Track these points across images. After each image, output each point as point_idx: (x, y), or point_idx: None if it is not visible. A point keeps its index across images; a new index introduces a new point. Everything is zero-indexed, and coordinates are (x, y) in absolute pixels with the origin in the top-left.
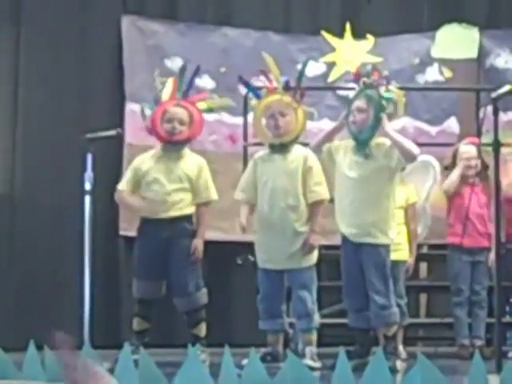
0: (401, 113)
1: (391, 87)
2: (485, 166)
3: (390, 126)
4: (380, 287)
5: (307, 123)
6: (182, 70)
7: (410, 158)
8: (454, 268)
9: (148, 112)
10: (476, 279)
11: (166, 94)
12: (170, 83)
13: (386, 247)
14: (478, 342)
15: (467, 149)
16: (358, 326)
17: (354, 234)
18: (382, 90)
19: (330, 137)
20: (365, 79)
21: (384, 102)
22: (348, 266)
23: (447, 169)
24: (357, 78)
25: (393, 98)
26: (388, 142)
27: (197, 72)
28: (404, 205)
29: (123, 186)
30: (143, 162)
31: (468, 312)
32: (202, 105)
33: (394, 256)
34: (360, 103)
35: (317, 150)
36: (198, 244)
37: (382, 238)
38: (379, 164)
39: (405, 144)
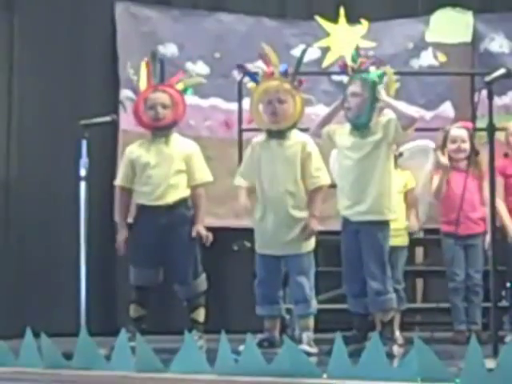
0: (392, 94)
1: (384, 68)
2: (475, 151)
3: (384, 95)
4: (377, 272)
5: (306, 109)
6: (154, 55)
7: (410, 121)
8: (448, 253)
9: (128, 104)
10: (470, 263)
11: (143, 82)
12: (143, 69)
13: (386, 228)
14: (474, 328)
15: (458, 132)
16: (357, 311)
17: (356, 214)
18: (373, 69)
19: (328, 119)
20: (352, 64)
21: (376, 79)
22: (348, 251)
23: (436, 150)
24: (343, 67)
25: (383, 74)
26: (384, 118)
27: (163, 63)
28: (402, 190)
29: (119, 180)
30: (134, 151)
31: (464, 297)
32: (179, 86)
33: (392, 242)
34: (353, 88)
35: (317, 133)
36: (199, 229)
37: (384, 214)
38: (377, 138)
39: (404, 109)
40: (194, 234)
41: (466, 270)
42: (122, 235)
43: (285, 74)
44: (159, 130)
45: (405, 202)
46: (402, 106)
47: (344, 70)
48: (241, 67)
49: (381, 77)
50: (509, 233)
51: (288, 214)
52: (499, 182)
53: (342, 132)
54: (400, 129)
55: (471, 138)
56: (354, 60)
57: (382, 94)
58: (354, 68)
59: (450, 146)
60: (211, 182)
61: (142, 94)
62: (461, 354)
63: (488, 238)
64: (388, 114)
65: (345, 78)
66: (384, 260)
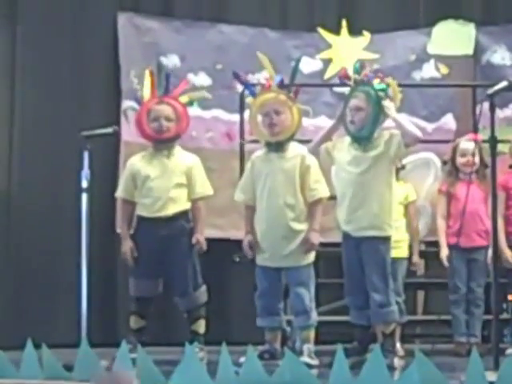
0: (397, 106)
1: (388, 80)
2: (484, 164)
3: (393, 110)
4: (379, 285)
5: (303, 120)
6: (160, 67)
7: (414, 140)
8: (451, 265)
9: (131, 113)
10: (472, 277)
11: (146, 93)
12: (147, 79)
13: (387, 242)
14: (473, 340)
15: (467, 145)
16: (360, 323)
17: (356, 229)
18: (376, 82)
19: (326, 138)
20: (356, 76)
21: (381, 94)
22: (349, 264)
23: (445, 164)
24: (344, 78)
25: (387, 88)
26: (387, 133)
27: (168, 76)
28: (403, 202)
29: (120, 192)
30: (135, 163)
31: (465, 310)
32: (184, 98)
33: (393, 253)
34: (357, 102)
35: (314, 151)
36: (199, 237)
37: (384, 230)
38: (378, 152)
39: (409, 127)
40: (193, 241)
41: (468, 283)
42: (126, 245)
43: (281, 84)
44: (162, 143)
45: (405, 214)
46: (408, 123)
47: (344, 79)
48: (237, 77)
49: (385, 91)
50: (502, 254)
51: (287, 226)
52: (500, 196)
53: (341, 147)
54: (403, 146)
55: (480, 150)
56: (356, 72)
57: (392, 110)
58: (356, 80)
59: (460, 160)
60: (211, 195)
61: (146, 104)
62: (462, 366)
63: (490, 251)
64: (391, 129)
65: (346, 90)
66: (387, 272)
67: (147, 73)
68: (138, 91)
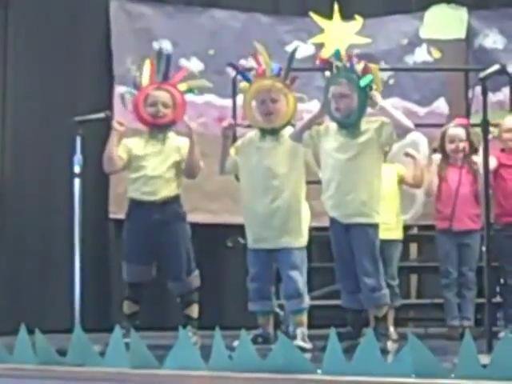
0: (379, 90)
1: (371, 65)
2: (474, 148)
3: (382, 100)
4: (370, 269)
5: (298, 106)
6: (159, 53)
7: (405, 130)
8: (442, 250)
9: (128, 98)
10: (463, 261)
11: (145, 79)
12: (147, 66)
13: (375, 227)
14: (466, 323)
15: (455, 131)
16: (352, 307)
17: (344, 216)
18: (359, 68)
19: (308, 126)
20: (337, 63)
21: (368, 84)
22: (339, 249)
23: (435, 151)
24: (324, 64)
25: (373, 79)
26: (377, 120)
27: (169, 60)
28: (396, 179)
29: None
30: (129, 142)
31: (457, 293)
32: (182, 86)
33: (385, 235)
34: (341, 89)
35: (296, 139)
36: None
37: (372, 217)
38: (366, 138)
39: (400, 117)
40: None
41: (460, 267)
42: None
43: (279, 74)
44: (157, 128)
45: (400, 194)
46: (399, 114)
47: (326, 66)
48: (232, 66)
49: (372, 81)
50: None
51: (282, 207)
52: (492, 161)
53: (326, 133)
54: (394, 135)
55: (468, 135)
56: (337, 58)
57: (378, 98)
58: (338, 66)
59: (449, 146)
60: (203, 168)
61: (144, 90)
62: (455, 349)
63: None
64: (379, 116)
65: None
66: (376, 256)
67: (147, 62)
68: (137, 78)
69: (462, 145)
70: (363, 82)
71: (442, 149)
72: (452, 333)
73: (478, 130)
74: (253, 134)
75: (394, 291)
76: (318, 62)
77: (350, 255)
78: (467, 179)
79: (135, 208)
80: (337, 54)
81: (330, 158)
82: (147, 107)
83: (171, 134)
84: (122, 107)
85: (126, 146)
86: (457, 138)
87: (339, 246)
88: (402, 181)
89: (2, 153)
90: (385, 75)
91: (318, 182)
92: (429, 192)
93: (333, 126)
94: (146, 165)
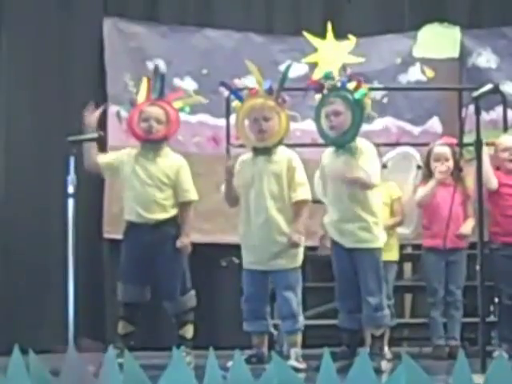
0: (368, 110)
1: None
2: (459, 167)
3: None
4: (374, 289)
5: (291, 125)
6: (156, 70)
7: (365, 188)
8: (429, 268)
9: (124, 114)
10: (451, 279)
11: (141, 96)
12: (144, 84)
13: (380, 251)
14: (453, 343)
15: (441, 150)
16: (349, 327)
17: (347, 242)
18: (351, 86)
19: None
20: (327, 83)
21: (361, 97)
22: (341, 269)
23: (420, 168)
24: (315, 85)
25: (366, 93)
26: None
27: (163, 79)
28: (388, 201)
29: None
30: (123, 156)
31: (443, 312)
32: (177, 103)
33: (383, 256)
34: (335, 107)
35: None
36: (184, 240)
37: (375, 242)
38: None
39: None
40: (178, 244)
41: (447, 285)
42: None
43: (269, 90)
44: (150, 144)
45: (391, 213)
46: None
47: (317, 87)
48: (225, 85)
49: (365, 95)
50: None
51: (276, 229)
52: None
53: (326, 158)
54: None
55: (454, 154)
56: (328, 78)
57: (346, 172)
58: (328, 86)
59: (434, 164)
60: (197, 200)
61: (139, 106)
62: (449, 369)
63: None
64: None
65: None
66: (381, 275)
67: (145, 80)
68: (133, 95)
69: (446, 163)
70: (358, 95)
71: (426, 166)
72: (438, 352)
73: (470, 149)
74: (245, 156)
75: (390, 311)
76: (308, 83)
77: (352, 275)
78: (457, 200)
79: (131, 229)
80: (327, 76)
81: (330, 182)
82: (141, 122)
83: (165, 152)
84: (115, 126)
85: (119, 160)
86: (442, 157)
87: (342, 266)
88: (392, 202)
89: None
90: (378, 94)
91: (313, 201)
92: (421, 203)
93: (328, 152)
94: (137, 187)
